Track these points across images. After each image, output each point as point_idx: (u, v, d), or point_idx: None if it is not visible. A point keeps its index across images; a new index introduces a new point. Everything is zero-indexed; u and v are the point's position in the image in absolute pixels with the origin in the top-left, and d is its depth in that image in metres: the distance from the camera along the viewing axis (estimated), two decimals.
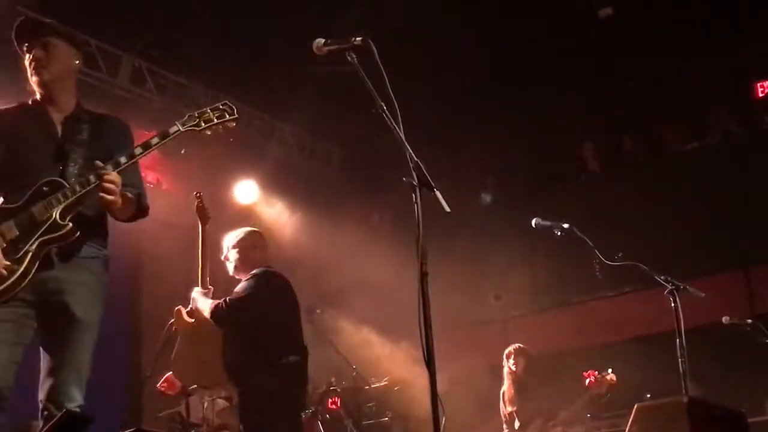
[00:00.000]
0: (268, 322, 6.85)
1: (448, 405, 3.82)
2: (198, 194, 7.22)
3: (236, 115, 4.78)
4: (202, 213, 7.20)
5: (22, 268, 4.27)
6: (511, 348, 9.77)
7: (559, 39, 11.58)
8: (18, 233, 4.30)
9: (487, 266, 11.99)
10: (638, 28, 11.51)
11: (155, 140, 4.57)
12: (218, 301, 6.87)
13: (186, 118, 4.69)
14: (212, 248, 7.16)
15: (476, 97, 12.38)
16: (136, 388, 7.21)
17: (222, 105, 4.79)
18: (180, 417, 8.37)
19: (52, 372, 4.39)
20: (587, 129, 12.90)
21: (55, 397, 4.34)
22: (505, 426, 9.56)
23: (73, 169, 4.52)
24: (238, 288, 7.00)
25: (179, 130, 4.62)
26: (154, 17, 10.91)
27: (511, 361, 9.69)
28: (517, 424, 9.43)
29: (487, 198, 12.88)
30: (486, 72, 12.08)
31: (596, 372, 9.34)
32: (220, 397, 8.43)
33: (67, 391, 4.36)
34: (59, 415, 4.14)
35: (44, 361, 4.45)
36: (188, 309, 7.13)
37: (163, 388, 7.78)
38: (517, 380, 9.63)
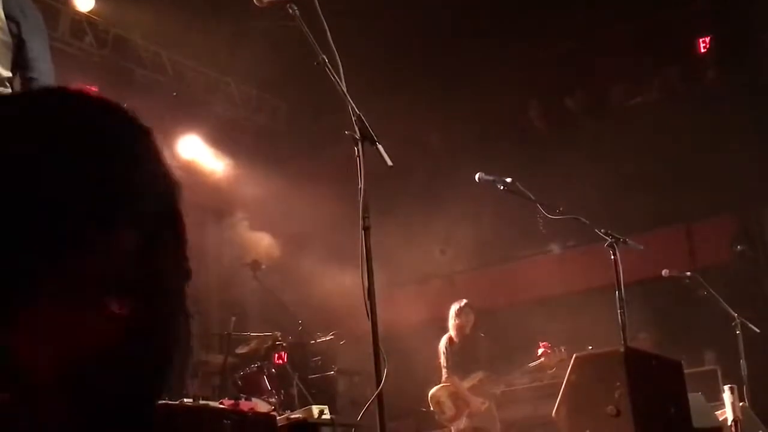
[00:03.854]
0: None
1: (391, 358, 3.85)
2: None
3: None
4: None
5: None
6: (460, 304, 9.83)
7: None
8: None
9: (433, 221, 12.02)
10: None
11: None
12: None
13: None
14: None
15: (420, 53, 12.34)
16: None
17: None
18: None
19: None
20: (531, 85, 12.92)
21: None
22: (445, 375, 9.69)
23: None
24: None
25: None
26: None
27: (461, 316, 9.76)
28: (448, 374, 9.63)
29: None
30: (430, 28, 12.02)
31: (549, 344, 9.50)
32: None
33: None
34: None
35: None
36: None
37: None
38: (464, 335, 9.73)
